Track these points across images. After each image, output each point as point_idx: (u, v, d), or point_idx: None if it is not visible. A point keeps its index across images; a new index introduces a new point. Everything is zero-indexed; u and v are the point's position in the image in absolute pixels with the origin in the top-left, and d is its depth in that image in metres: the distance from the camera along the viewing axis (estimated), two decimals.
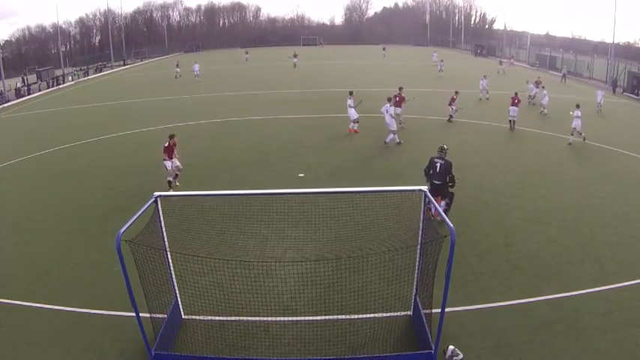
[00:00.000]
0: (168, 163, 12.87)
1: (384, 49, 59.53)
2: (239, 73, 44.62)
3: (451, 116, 21.20)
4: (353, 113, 18.96)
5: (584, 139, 17.56)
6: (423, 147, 16.99)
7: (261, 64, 52.61)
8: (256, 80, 37.49)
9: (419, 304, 6.78)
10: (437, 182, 10.11)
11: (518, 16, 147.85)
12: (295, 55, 47.94)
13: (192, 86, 35.78)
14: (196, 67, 40.19)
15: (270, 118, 22.28)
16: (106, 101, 31.35)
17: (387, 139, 17.04)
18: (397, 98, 18.90)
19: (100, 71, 58.53)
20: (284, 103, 26.44)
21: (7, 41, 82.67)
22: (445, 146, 10.66)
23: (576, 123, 17.29)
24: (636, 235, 9.89)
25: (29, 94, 40.11)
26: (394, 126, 17.07)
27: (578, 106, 17.46)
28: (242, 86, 34.37)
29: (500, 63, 49.07)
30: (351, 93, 19.25)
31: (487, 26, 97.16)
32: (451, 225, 5.38)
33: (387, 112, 16.92)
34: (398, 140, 17.21)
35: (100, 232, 10.57)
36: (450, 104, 21.13)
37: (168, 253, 6.94)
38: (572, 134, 17.52)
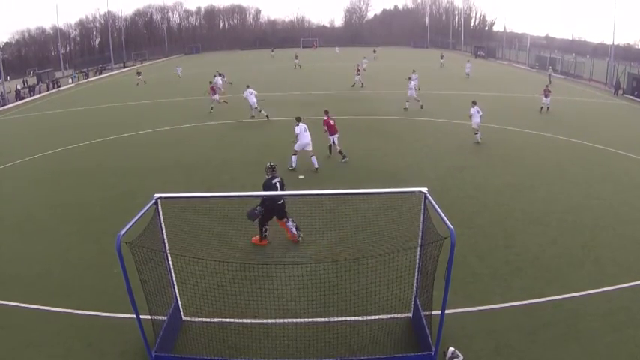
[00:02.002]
0: None
1: (374, 51, 60.85)
2: (239, 75, 44.66)
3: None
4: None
5: (422, 107, 23.72)
6: (424, 149, 17.02)
7: (261, 65, 52.68)
8: (257, 82, 37.47)
9: (419, 305, 6.78)
10: (280, 202, 9.47)
11: (518, 18, 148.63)
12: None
13: (194, 88, 35.79)
14: (179, 69, 45.88)
15: (271, 120, 22.28)
16: (106, 103, 31.39)
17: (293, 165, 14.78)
18: (326, 126, 15.51)
19: (100, 73, 58.70)
20: (284, 105, 26.45)
21: (6, 43, 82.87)
22: (272, 163, 9.80)
23: (411, 92, 23.84)
24: (636, 236, 9.90)
25: (32, 95, 40.18)
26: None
27: (414, 71, 25.14)
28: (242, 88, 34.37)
29: (442, 57, 50.22)
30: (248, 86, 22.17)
31: (487, 28, 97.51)
32: (451, 226, 5.38)
33: (306, 130, 14.65)
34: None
35: (101, 233, 10.57)
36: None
37: (169, 254, 6.94)
38: (407, 101, 23.93)
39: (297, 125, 14.79)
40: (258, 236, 9.74)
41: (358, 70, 33.87)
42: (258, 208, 9.11)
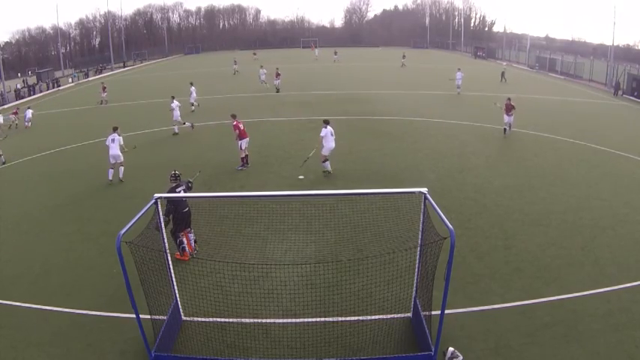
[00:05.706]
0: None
1: (335, 53, 59.79)
2: (239, 75, 44.64)
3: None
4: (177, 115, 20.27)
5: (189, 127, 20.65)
6: (423, 150, 17.02)
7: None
8: (255, 82, 37.45)
9: (419, 305, 6.78)
10: (185, 210, 9.15)
11: (518, 19, 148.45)
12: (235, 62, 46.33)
13: (198, 88, 35.75)
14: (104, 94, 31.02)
15: (270, 120, 22.29)
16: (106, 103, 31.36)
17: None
18: (237, 130, 15.00)
19: (100, 73, 58.60)
20: (283, 105, 26.47)
21: (7, 42, 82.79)
22: (177, 171, 9.52)
23: (176, 116, 20.24)
24: (636, 236, 9.90)
25: (32, 94, 40.13)
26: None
27: (192, 83, 23.51)
28: (241, 88, 34.39)
29: (403, 56, 49.63)
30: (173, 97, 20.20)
31: (487, 29, 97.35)
32: (451, 227, 5.39)
33: (113, 141, 14.46)
34: None
35: (100, 233, 10.58)
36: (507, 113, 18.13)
37: (169, 254, 6.95)
38: (175, 125, 20.44)
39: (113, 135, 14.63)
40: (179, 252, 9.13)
41: (278, 74, 33.27)
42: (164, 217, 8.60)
